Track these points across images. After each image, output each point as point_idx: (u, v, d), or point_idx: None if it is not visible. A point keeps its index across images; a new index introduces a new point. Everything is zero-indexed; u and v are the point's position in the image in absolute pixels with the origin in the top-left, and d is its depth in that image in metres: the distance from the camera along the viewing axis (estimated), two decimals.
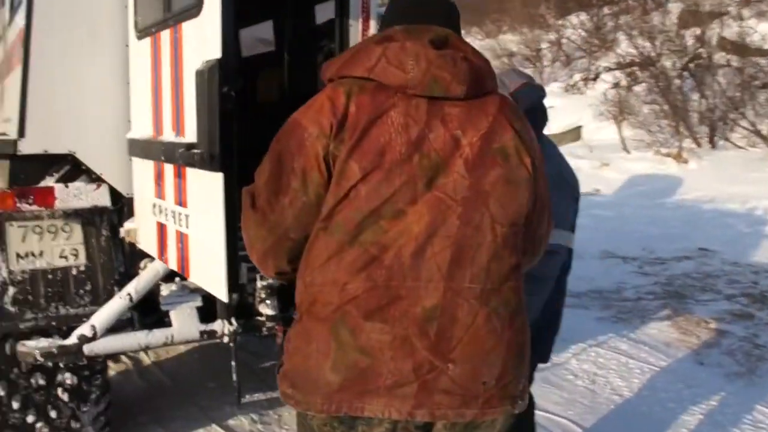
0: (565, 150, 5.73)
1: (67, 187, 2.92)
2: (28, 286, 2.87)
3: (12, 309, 2.82)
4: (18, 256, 2.88)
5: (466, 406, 1.58)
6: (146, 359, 4.41)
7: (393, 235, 1.53)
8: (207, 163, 2.13)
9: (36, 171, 2.95)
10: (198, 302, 3.15)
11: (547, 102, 2.74)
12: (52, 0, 2.92)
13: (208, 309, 3.18)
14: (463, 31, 1.75)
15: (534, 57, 18.49)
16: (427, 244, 1.53)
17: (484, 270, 1.58)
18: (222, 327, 3.10)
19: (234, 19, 2.12)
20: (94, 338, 2.83)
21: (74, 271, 2.98)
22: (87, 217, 3.05)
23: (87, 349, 2.82)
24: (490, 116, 1.61)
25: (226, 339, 3.09)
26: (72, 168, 3.01)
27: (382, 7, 3.47)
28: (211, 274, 2.36)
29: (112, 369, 4.39)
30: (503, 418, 1.66)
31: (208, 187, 2.21)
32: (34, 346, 2.76)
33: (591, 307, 5.44)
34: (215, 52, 2.10)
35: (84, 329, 2.82)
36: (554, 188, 2.56)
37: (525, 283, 1.78)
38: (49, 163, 2.96)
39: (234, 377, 3.09)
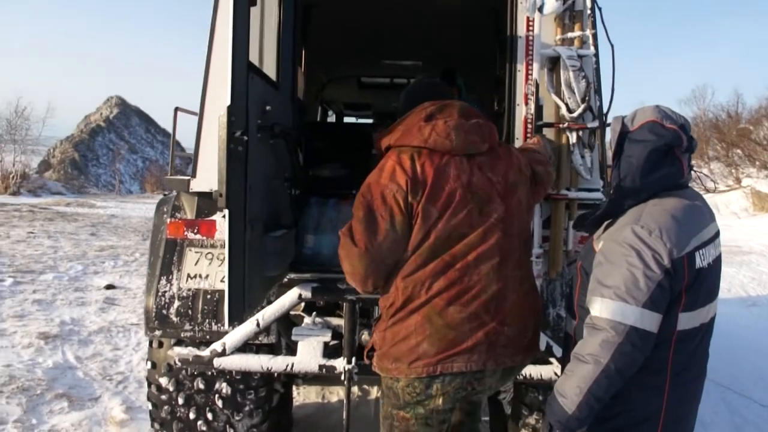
0: None
1: None
2: (190, 302, 3.39)
3: (175, 319, 3.38)
4: (188, 276, 3.43)
5: (517, 354, 2.34)
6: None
7: (461, 248, 2.26)
8: (217, 199, 2.32)
9: (212, 206, 3.46)
10: (326, 337, 3.30)
11: None
12: (222, 55, 3.14)
13: (338, 347, 3.30)
14: None
15: None
16: (483, 252, 2.26)
17: (517, 263, 2.36)
18: (342, 364, 3.19)
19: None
20: (223, 353, 3.21)
21: None
22: None
23: (216, 362, 3.21)
24: (503, 161, 2.40)
25: (342, 377, 3.18)
26: None
27: (545, 49, 3.20)
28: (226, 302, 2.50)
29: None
30: (529, 360, 2.47)
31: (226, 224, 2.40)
32: (177, 352, 3.26)
33: None
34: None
35: (216, 345, 3.23)
36: (629, 249, 2.06)
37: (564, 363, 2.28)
38: None
39: (344, 414, 3.15)
